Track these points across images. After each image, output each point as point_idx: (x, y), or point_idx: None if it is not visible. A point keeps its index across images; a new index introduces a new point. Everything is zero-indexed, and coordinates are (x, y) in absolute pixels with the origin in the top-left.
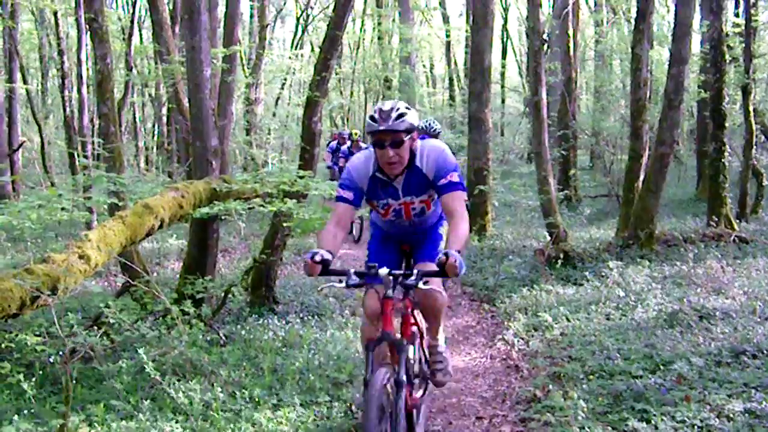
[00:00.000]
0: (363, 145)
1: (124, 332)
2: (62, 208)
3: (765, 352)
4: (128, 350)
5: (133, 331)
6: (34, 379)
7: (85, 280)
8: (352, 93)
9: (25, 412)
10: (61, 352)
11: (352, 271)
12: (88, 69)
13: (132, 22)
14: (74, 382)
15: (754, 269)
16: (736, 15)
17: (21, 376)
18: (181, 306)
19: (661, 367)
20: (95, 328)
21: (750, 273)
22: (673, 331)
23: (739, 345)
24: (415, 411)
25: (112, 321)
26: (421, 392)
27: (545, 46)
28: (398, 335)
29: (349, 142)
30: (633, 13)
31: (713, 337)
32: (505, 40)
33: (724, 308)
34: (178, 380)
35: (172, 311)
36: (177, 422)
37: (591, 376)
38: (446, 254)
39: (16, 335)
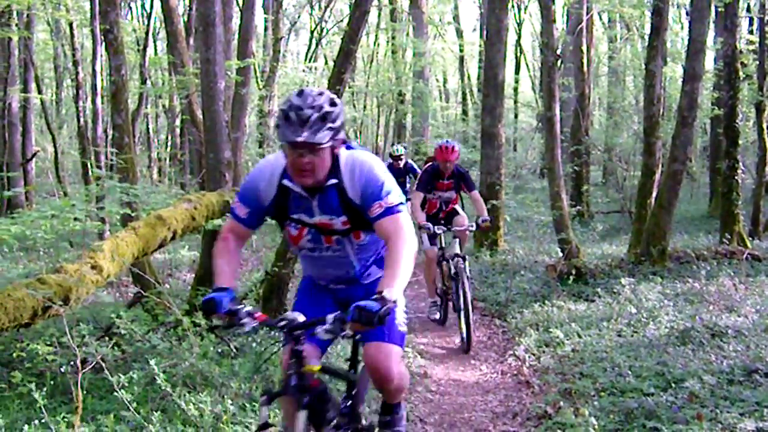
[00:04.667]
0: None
1: (135, 343)
2: (75, 218)
3: None
4: (139, 361)
5: (144, 342)
6: (44, 389)
7: (97, 290)
8: (365, 106)
9: (36, 421)
10: (72, 362)
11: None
12: (102, 80)
13: (147, 33)
14: (85, 392)
15: (766, 287)
16: (750, 32)
17: (32, 386)
18: (192, 317)
19: (673, 385)
20: (106, 338)
21: (762, 291)
22: (685, 349)
23: (752, 363)
24: None
25: (123, 332)
26: None
27: (559, 62)
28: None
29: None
30: (647, 30)
31: (725, 355)
32: (518, 55)
33: (737, 326)
34: (189, 392)
35: (183, 322)
36: None
37: (602, 393)
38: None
39: (28, 344)
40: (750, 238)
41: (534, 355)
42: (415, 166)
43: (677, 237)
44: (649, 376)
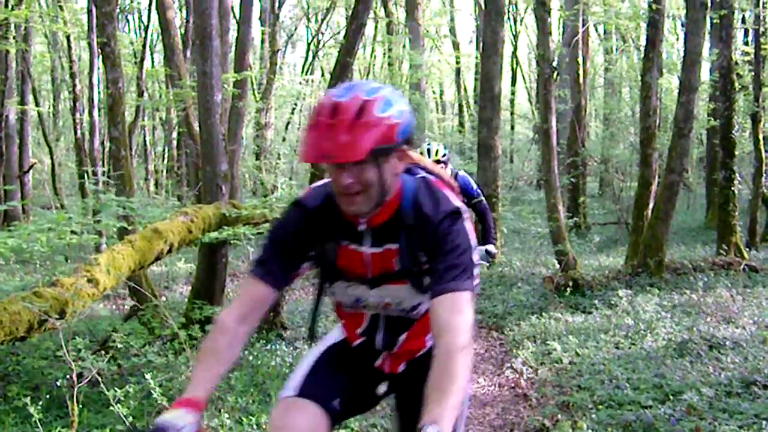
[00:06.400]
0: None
1: (131, 357)
2: (72, 231)
3: None
4: (135, 375)
5: (141, 356)
6: (40, 403)
7: (93, 303)
8: None
9: None
10: (68, 376)
11: None
12: (99, 92)
13: (144, 46)
14: (81, 406)
15: (764, 298)
16: (746, 43)
17: (27, 400)
18: (188, 331)
19: (671, 397)
20: (102, 352)
21: (760, 302)
22: (682, 361)
23: (750, 375)
24: None
25: (119, 345)
26: None
27: (555, 74)
28: None
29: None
30: (642, 42)
31: (723, 367)
32: (514, 67)
33: (734, 338)
34: None
35: (179, 336)
36: None
37: (600, 406)
38: None
39: (24, 358)
40: (747, 249)
41: (531, 367)
42: (471, 182)
43: (674, 248)
44: (647, 389)
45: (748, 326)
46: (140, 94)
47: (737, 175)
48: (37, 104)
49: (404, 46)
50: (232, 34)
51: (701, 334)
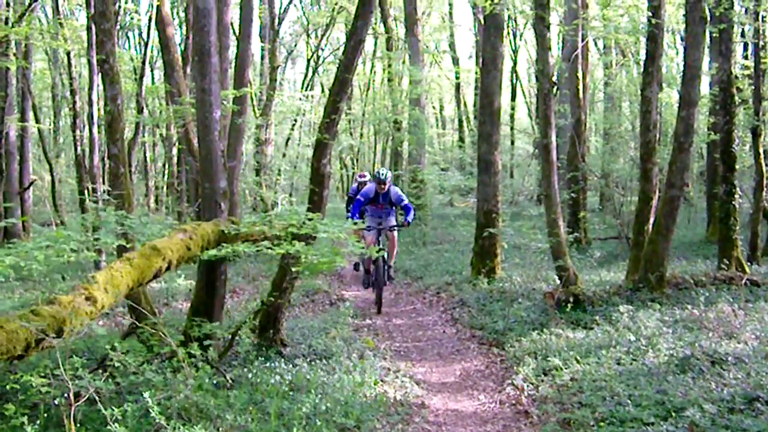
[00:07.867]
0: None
1: (129, 375)
2: (71, 249)
3: None
4: (133, 393)
5: (139, 374)
6: (38, 422)
7: (91, 321)
8: (361, 134)
9: None
10: (65, 395)
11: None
12: (99, 109)
13: (144, 62)
14: (78, 425)
15: (766, 313)
16: (745, 57)
17: (25, 419)
18: (187, 348)
19: (673, 414)
20: (100, 370)
21: (762, 317)
22: (684, 377)
23: (753, 391)
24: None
25: (117, 363)
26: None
27: (554, 89)
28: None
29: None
30: (642, 56)
31: (726, 382)
32: (514, 82)
33: (737, 353)
34: (184, 424)
35: (178, 354)
36: None
37: (602, 423)
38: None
39: (21, 376)
40: (748, 264)
41: (532, 384)
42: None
43: (675, 263)
44: (648, 405)
45: (750, 341)
46: (140, 111)
47: (738, 189)
48: (37, 121)
49: (404, 62)
50: (232, 51)
51: (703, 349)
